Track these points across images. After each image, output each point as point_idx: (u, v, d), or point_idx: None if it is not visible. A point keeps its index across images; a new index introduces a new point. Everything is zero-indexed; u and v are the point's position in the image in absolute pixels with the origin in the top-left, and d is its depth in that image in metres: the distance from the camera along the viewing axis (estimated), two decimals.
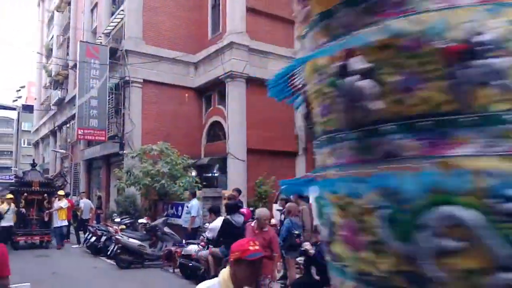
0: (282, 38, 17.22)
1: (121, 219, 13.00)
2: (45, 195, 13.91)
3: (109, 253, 10.95)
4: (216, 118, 17.40)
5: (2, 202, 13.19)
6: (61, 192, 14.17)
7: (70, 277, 9.33)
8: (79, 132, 17.26)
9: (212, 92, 17.87)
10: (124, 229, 11.73)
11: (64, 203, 13.59)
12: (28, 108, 39.40)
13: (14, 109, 52.54)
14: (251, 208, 11.58)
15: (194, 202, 10.87)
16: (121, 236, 10.41)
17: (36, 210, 13.68)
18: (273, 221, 10.67)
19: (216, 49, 16.52)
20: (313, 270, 6.23)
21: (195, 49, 18.05)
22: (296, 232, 7.47)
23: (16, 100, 56.76)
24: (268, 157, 16.30)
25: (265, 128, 16.26)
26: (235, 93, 15.78)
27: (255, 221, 6.38)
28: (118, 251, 10.28)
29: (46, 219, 13.55)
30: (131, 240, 10.27)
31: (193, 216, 10.68)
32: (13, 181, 23.76)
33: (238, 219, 7.28)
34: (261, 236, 6.11)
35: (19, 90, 57.70)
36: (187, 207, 11.10)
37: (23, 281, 8.36)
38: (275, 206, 11.49)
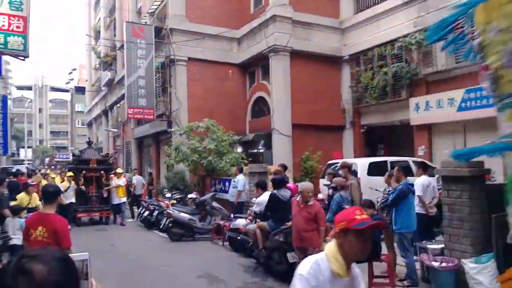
0: (326, 8, 16.77)
1: (171, 194, 13.50)
2: (102, 172, 14.15)
3: (161, 226, 11.42)
4: (260, 93, 17.35)
5: (63, 180, 13.77)
6: (119, 170, 14.55)
7: (126, 249, 9.85)
8: (129, 111, 17.78)
9: (255, 67, 17.78)
10: (175, 203, 12.17)
11: (122, 181, 13.97)
12: (80, 90, 41.12)
13: (67, 91, 55.09)
14: (297, 183, 11.60)
15: (241, 177, 11.04)
16: (172, 211, 10.81)
17: (95, 187, 13.98)
18: (320, 196, 10.67)
19: (259, 23, 16.33)
20: None
21: (238, 25, 17.95)
22: (347, 206, 7.42)
23: (69, 82, 59.31)
24: (314, 131, 16.11)
25: (311, 102, 16.03)
26: (279, 68, 15.61)
27: (299, 195, 6.38)
28: (170, 224, 10.69)
29: (105, 195, 13.82)
30: (181, 214, 10.64)
31: (239, 191, 10.87)
32: (70, 159, 25.12)
33: (284, 193, 7.32)
34: (306, 210, 6.12)
35: (71, 72, 60.05)
36: (234, 182, 11.29)
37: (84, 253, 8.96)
38: (322, 181, 11.43)
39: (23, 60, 8.10)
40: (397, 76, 13.82)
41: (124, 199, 13.98)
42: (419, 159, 11.18)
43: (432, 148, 13.17)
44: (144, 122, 20.48)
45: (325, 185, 10.16)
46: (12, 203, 8.98)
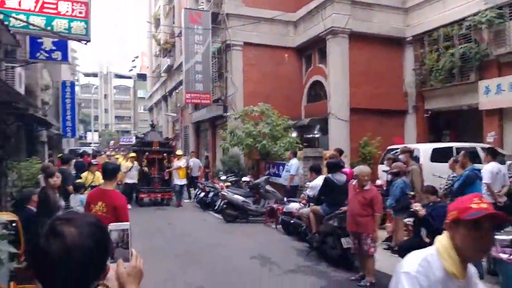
0: None
1: (226, 177, 13.66)
2: (164, 154, 14.35)
3: (216, 207, 11.62)
4: (316, 77, 16.98)
5: (126, 160, 14.43)
6: (179, 152, 14.77)
7: (183, 229, 10.11)
8: (187, 96, 18.13)
9: (312, 50, 17.40)
10: (229, 186, 12.30)
11: (182, 162, 14.19)
12: (142, 77, 42.73)
13: (130, 78, 57.45)
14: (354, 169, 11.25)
15: (294, 161, 10.89)
16: (227, 192, 10.94)
17: (157, 169, 14.15)
18: (378, 182, 10.28)
19: (316, 5, 15.89)
20: (423, 232, 5.85)
21: (294, 7, 17.59)
22: (412, 193, 7.09)
23: (132, 69, 61.82)
24: (373, 116, 15.52)
25: (370, 86, 15.45)
26: (337, 50, 15.12)
27: (355, 179, 6.15)
28: (224, 206, 10.83)
29: (166, 177, 14.05)
30: (235, 196, 10.72)
31: (292, 175, 10.74)
32: (133, 142, 26.18)
33: (340, 177, 7.10)
34: (362, 194, 5.88)
35: (134, 60, 62.43)
36: (287, 166, 11.17)
37: (145, 231, 9.28)
38: (381, 167, 11.01)
39: (86, 44, 8.39)
40: (465, 58, 12.89)
41: (184, 181, 14.15)
42: (488, 145, 10.41)
43: (503, 134, 12.20)
44: (201, 107, 20.84)
45: (383, 171, 9.77)
46: (77, 181, 9.53)
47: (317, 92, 17.15)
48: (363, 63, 15.44)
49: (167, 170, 14.06)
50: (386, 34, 15.64)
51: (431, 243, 5.35)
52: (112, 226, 1.32)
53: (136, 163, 13.65)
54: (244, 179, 12.53)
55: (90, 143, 46.39)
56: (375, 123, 15.44)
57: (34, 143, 15.32)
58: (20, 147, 12.86)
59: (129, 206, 10.98)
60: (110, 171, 4.76)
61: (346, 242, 6.55)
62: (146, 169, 13.87)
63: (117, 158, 16.46)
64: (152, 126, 16.12)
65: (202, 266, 6.83)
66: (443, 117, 15.80)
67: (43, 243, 1.10)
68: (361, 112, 15.25)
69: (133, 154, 14.09)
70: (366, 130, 14.86)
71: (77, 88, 38.03)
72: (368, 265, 5.88)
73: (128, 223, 1.38)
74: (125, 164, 13.89)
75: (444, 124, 15.92)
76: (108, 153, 21.44)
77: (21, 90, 11.14)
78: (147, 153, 14.04)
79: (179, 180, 13.93)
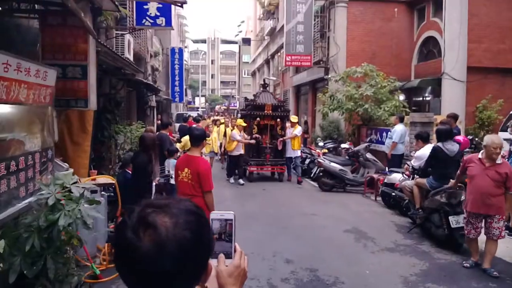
0: None
1: (324, 143, 13.12)
2: (278, 120, 12.01)
3: (312, 175, 11.25)
4: (430, 33, 15.30)
5: (233, 128, 12.21)
6: (293, 118, 12.04)
7: (276, 195, 10.02)
8: (287, 59, 17.73)
9: (426, 3, 15.67)
10: (326, 153, 11.78)
11: (298, 130, 11.60)
12: (247, 41, 43.05)
13: (236, 43, 58.46)
14: (470, 137, 9.94)
15: (398, 128, 9.92)
16: (323, 160, 10.46)
17: (268, 137, 12.04)
18: None
19: None
20: None
21: None
22: None
23: (238, 34, 62.79)
24: (495, 76, 13.63)
25: (493, 41, 13.55)
26: (455, 1, 13.23)
27: (482, 151, 5.22)
28: (320, 174, 10.42)
29: (280, 147, 11.74)
30: (332, 164, 10.21)
31: (394, 142, 9.80)
32: (237, 107, 26.36)
33: (451, 147, 6.20)
34: (494, 169, 5.00)
35: (240, 25, 63.31)
36: (390, 132, 10.25)
37: (239, 195, 9.39)
38: (502, 135, 9.55)
39: (181, 6, 8.36)
40: None
41: (298, 152, 11.73)
42: None
43: None
44: (302, 69, 20.31)
45: (505, 139, 8.41)
46: (178, 145, 9.87)
47: (430, 49, 15.54)
48: (485, 15, 13.53)
49: (280, 139, 11.77)
50: None
51: None
52: (213, 214, 1.13)
53: (243, 132, 11.39)
54: (343, 145, 11.86)
55: (198, 108, 48.82)
56: (496, 84, 13.62)
57: (144, 108, 16.34)
58: (131, 112, 13.81)
59: (241, 182, 11.24)
60: (196, 137, 4.67)
61: (455, 221, 5.76)
62: (258, 136, 11.76)
63: (222, 123, 14.95)
64: (264, 85, 13.04)
65: (292, 236, 6.59)
66: None
67: (130, 236, 0.87)
68: (481, 72, 13.49)
69: (240, 121, 11.67)
70: (486, 92, 13.13)
71: (186, 55, 39.88)
72: (492, 250, 5.12)
73: (232, 212, 1.14)
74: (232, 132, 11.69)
75: None
76: (214, 117, 21.58)
77: (130, 57, 11.73)
78: (258, 118, 11.89)
79: (293, 152, 11.56)
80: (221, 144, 13.69)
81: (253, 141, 11.49)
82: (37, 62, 4.47)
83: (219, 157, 15.03)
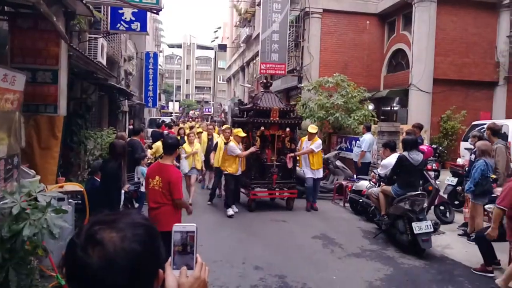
0: None
1: None
2: (287, 129, 9.07)
3: None
4: (399, 45, 15.84)
5: (219, 134, 10.45)
6: (312, 129, 9.18)
7: (246, 202, 10.02)
8: (262, 67, 17.90)
9: (396, 17, 16.20)
10: None
11: (316, 144, 8.94)
12: (222, 47, 43.18)
13: (211, 48, 58.47)
14: (434, 146, 10.33)
15: (367, 137, 10.21)
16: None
17: (275, 152, 9.05)
18: (459, 161, 9.33)
19: None
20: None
21: None
22: (493, 176, 6.26)
23: (214, 40, 62.81)
24: (459, 88, 14.25)
25: (458, 55, 14.15)
26: (424, 16, 13.83)
27: None
28: None
29: (289, 165, 8.86)
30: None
31: (363, 151, 10.09)
32: (210, 113, 25.74)
33: (416, 156, 6.44)
34: None
35: (216, 31, 63.34)
36: (359, 141, 10.53)
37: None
38: (464, 144, 9.98)
39: (156, 13, 8.40)
40: None
41: (321, 172, 9.38)
42: None
43: None
44: (276, 77, 20.53)
45: (466, 149, 8.81)
46: (149, 151, 9.81)
47: (399, 61, 16.06)
48: (451, 30, 14.14)
49: (290, 154, 8.86)
50: None
51: None
52: (176, 226, 1.15)
53: (240, 144, 8.57)
54: None
55: (172, 113, 48.47)
56: (460, 96, 14.22)
57: (116, 112, 16.14)
58: (102, 117, 13.64)
59: (230, 212, 8.15)
60: (169, 146, 4.71)
61: (417, 228, 5.98)
62: (255, 148, 8.56)
63: (199, 132, 11.82)
64: (266, 84, 9.69)
65: (261, 243, 6.68)
66: None
67: (80, 254, 0.90)
68: (446, 84, 14.09)
69: (239, 131, 8.53)
70: (450, 103, 13.70)
71: (161, 59, 39.61)
72: None
73: (194, 225, 1.17)
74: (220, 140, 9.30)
75: None
76: (191, 123, 21.04)
77: (103, 61, 11.62)
78: (262, 128, 8.83)
79: (311, 171, 9.00)
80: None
81: (256, 149, 8.54)
82: (5, 66, 4.43)
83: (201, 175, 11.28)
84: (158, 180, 4.45)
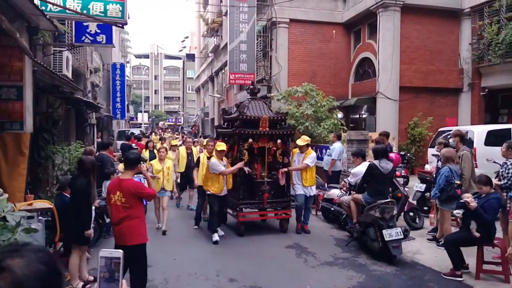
0: None
1: None
2: (279, 141, 7.94)
3: None
4: (365, 54, 16.22)
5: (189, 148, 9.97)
6: (303, 141, 8.11)
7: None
8: (231, 77, 17.95)
9: (361, 26, 16.61)
10: None
11: (310, 158, 8.00)
12: (191, 57, 43.09)
13: (179, 58, 58.17)
14: (402, 153, 10.60)
15: (337, 145, 10.37)
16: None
17: (266, 167, 8.16)
18: (427, 167, 9.62)
19: None
20: (473, 226, 5.31)
21: None
22: (458, 182, 6.49)
23: (181, 50, 62.50)
24: (425, 95, 14.70)
25: (423, 62, 14.63)
26: (388, 25, 14.24)
27: None
28: None
29: (281, 182, 7.92)
30: None
31: (333, 159, 10.24)
32: (180, 123, 25.04)
33: (385, 165, 6.59)
34: None
35: (184, 40, 63.01)
36: (329, 150, 10.69)
37: (180, 217, 9.14)
38: (431, 151, 10.30)
39: (121, 27, 8.34)
40: None
41: (314, 189, 8.31)
42: None
43: None
44: (245, 87, 20.61)
45: (433, 155, 9.10)
46: (120, 165, 9.62)
47: (366, 70, 16.43)
48: (415, 38, 14.59)
49: (283, 170, 7.91)
50: (441, 6, 14.57)
51: (481, 238, 4.82)
52: (102, 252, 1.17)
53: (224, 159, 7.65)
54: None
55: (141, 124, 47.80)
56: (426, 103, 14.67)
57: (83, 125, 15.80)
58: (69, 130, 13.30)
59: (220, 234, 7.41)
60: (130, 161, 4.66)
61: (388, 235, 6.12)
62: (248, 170, 7.73)
63: (175, 145, 11.38)
64: (253, 92, 8.63)
65: (235, 254, 6.67)
66: (501, 96, 14.61)
67: None
68: (412, 91, 14.50)
69: (221, 145, 7.58)
70: (417, 110, 14.10)
71: (128, 70, 39.06)
72: None
73: (121, 251, 1.18)
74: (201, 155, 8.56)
75: (502, 103, 14.72)
76: (163, 135, 20.65)
77: (69, 74, 11.36)
78: (250, 140, 7.82)
79: (302, 188, 8.06)
80: (181, 174, 10.14)
81: (242, 165, 7.56)
82: None
83: (176, 195, 10.22)
84: (119, 195, 4.41)
